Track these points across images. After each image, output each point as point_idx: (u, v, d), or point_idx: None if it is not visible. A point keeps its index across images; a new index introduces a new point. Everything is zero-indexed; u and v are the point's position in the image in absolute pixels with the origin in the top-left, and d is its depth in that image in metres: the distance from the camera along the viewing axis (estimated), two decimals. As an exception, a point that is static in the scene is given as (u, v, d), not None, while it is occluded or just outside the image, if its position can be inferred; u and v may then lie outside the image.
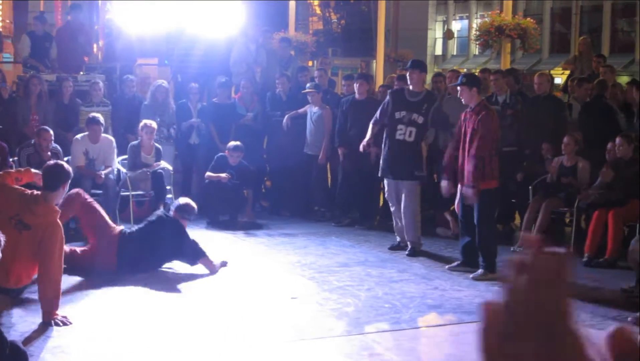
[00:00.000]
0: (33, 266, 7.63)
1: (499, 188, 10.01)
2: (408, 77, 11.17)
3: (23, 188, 7.91)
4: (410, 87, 11.08)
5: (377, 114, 11.35)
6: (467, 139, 9.84)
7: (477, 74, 14.47)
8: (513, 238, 11.90)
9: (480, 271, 9.89)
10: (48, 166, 7.90)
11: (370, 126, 11.46)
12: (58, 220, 7.63)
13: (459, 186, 10.15)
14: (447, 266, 10.36)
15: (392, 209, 11.35)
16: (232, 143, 13.04)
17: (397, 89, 11.56)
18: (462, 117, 10.08)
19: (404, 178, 11.02)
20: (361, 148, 11.59)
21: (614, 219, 10.60)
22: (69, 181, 7.93)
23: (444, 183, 10.42)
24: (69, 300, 8.28)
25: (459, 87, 10.10)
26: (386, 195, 11.44)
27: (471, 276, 9.86)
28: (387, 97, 11.34)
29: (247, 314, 8.10)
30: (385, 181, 11.33)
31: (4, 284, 7.66)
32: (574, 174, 11.57)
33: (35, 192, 7.77)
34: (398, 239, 11.37)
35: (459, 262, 10.34)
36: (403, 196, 11.03)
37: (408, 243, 11.15)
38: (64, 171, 7.83)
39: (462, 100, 10.10)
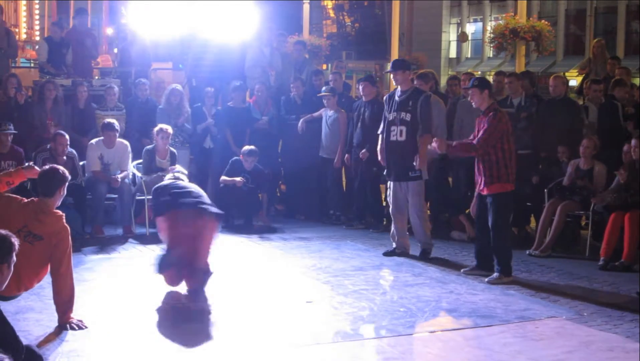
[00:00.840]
0: (42, 273, 7.58)
1: (514, 191, 9.98)
2: (393, 80, 11.15)
3: (20, 198, 7.77)
4: (399, 88, 11.07)
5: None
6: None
7: (491, 76, 14.44)
8: (528, 242, 11.86)
9: (495, 274, 9.86)
10: (42, 171, 7.73)
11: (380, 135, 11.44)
12: (65, 223, 7.60)
13: (476, 190, 10.15)
14: (462, 270, 10.34)
15: (391, 210, 11.31)
16: (246, 147, 13.05)
17: (392, 92, 11.43)
18: (477, 123, 10.09)
19: (402, 179, 11.02)
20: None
21: (630, 223, 10.54)
22: (66, 185, 7.78)
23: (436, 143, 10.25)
24: (83, 304, 8.29)
25: (470, 90, 10.11)
26: (387, 197, 11.39)
27: (486, 280, 9.83)
28: (384, 101, 11.40)
29: (263, 318, 8.10)
30: (388, 183, 11.29)
31: (12, 292, 7.55)
32: (590, 178, 11.54)
33: (34, 199, 7.66)
34: (394, 245, 11.26)
35: (473, 266, 10.32)
36: (409, 197, 11.04)
37: (418, 244, 11.15)
38: (58, 175, 7.64)
39: (473, 103, 10.11)
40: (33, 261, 7.35)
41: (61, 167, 7.85)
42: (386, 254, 11.17)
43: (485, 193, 9.92)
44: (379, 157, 11.33)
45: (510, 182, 9.84)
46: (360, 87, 13.02)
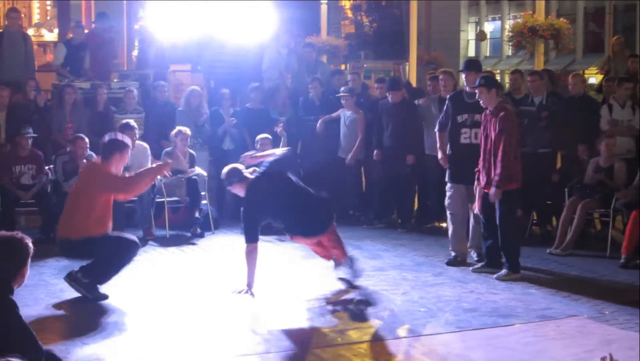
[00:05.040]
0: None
1: (520, 188, 9.94)
2: (464, 79, 10.85)
3: None
4: (467, 89, 10.69)
5: (441, 118, 11.08)
6: (491, 142, 9.78)
7: (506, 74, 14.33)
8: (549, 240, 11.82)
9: (503, 271, 9.89)
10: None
11: (437, 134, 11.15)
12: None
13: (479, 187, 10.10)
14: (471, 268, 10.32)
15: (450, 217, 10.86)
16: (259, 136, 12.77)
17: (455, 93, 11.12)
18: (482, 120, 10.03)
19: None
20: (441, 162, 11.08)
21: (651, 220, 10.50)
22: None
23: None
24: (105, 307, 8.33)
25: (477, 89, 10.01)
26: (447, 201, 10.90)
27: (494, 276, 9.86)
28: (447, 102, 11.00)
29: (283, 319, 8.09)
30: (450, 186, 10.83)
31: None
32: (610, 175, 11.49)
33: None
34: (453, 253, 10.80)
35: (483, 263, 10.31)
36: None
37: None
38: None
39: (481, 102, 10.01)
40: None
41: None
42: (449, 263, 10.67)
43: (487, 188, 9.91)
44: (439, 157, 11.04)
45: (517, 180, 9.82)
46: (389, 96, 13.16)
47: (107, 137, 9.12)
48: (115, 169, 8.94)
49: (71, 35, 16.65)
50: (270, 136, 12.78)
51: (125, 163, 9.24)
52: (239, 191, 9.27)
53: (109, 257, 8.65)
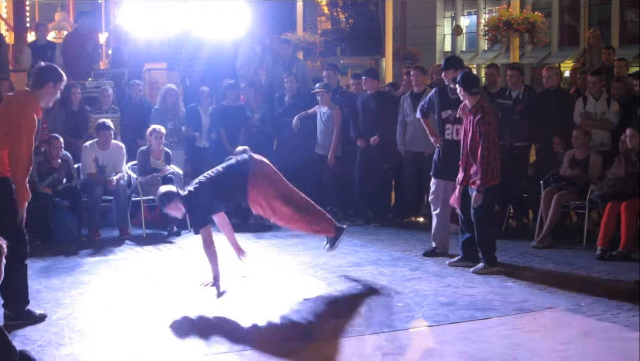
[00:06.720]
0: None
1: (497, 185, 9.93)
2: (444, 78, 10.83)
3: None
4: (451, 85, 10.58)
5: (421, 105, 11.04)
6: (469, 139, 9.79)
7: (482, 68, 14.39)
8: (526, 233, 11.85)
9: (480, 265, 9.89)
10: None
11: (422, 120, 11.07)
12: None
13: (457, 183, 10.11)
14: (447, 262, 10.33)
15: (434, 212, 10.87)
16: (239, 148, 12.85)
17: (441, 87, 10.97)
18: (464, 117, 10.02)
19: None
20: (434, 143, 10.92)
21: (627, 211, 10.54)
22: None
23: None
24: (81, 306, 8.29)
25: (456, 86, 10.04)
26: (431, 197, 10.93)
27: (471, 270, 9.86)
28: (432, 93, 10.95)
29: (260, 315, 8.06)
30: (434, 181, 10.83)
31: None
32: (585, 167, 11.52)
33: None
34: (433, 244, 10.87)
35: (459, 257, 10.31)
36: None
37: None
38: None
39: (461, 97, 10.01)
40: None
41: None
42: (426, 254, 10.79)
43: (470, 185, 9.91)
44: (432, 140, 10.88)
45: (495, 177, 9.80)
46: (363, 80, 13.29)
47: (42, 64, 8.15)
48: (45, 103, 7.93)
49: (36, 35, 16.55)
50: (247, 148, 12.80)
51: (57, 97, 8.18)
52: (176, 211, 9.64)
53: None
